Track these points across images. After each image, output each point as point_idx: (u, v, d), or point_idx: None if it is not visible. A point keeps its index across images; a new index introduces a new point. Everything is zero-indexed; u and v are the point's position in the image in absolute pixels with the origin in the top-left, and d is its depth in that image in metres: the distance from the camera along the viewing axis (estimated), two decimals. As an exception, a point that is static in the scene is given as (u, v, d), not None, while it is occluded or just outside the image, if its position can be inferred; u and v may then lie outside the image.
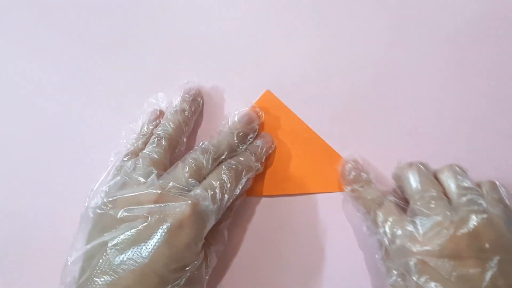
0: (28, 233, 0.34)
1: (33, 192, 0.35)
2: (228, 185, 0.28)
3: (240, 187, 0.29)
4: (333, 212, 0.33)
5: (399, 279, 0.26)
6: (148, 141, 0.31)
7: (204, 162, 0.29)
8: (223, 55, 0.36)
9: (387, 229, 0.27)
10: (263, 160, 0.32)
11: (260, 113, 0.33)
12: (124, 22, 0.37)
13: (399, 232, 0.27)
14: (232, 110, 0.35)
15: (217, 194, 0.27)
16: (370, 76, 0.35)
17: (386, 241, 0.27)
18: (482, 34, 0.35)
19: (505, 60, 0.35)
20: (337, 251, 0.33)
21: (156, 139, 0.30)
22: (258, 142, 0.33)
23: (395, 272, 0.27)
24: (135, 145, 0.31)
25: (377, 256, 0.29)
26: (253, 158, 0.31)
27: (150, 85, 0.36)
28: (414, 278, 0.25)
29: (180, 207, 0.26)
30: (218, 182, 0.28)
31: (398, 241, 0.26)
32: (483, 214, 0.25)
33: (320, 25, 0.36)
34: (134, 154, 0.31)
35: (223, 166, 0.29)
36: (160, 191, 0.26)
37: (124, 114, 0.35)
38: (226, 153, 0.30)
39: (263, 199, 0.34)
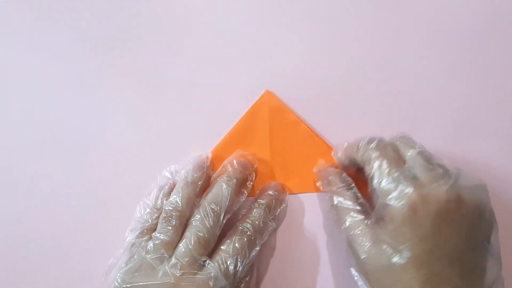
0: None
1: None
2: (241, 258, 0.27)
3: (255, 253, 0.29)
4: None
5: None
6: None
7: (211, 233, 0.28)
8: (223, 56, 0.36)
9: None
10: (277, 214, 0.31)
11: (253, 158, 0.33)
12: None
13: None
14: (232, 111, 0.35)
15: (230, 270, 0.27)
16: (370, 77, 0.35)
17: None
18: (483, 34, 0.35)
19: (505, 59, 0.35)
20: (338, 251, 0.33)
21: (165, 218, 0.29)
22: (271, 192, 0.32)
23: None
24: (149, 220, 0.31)
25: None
26: (267, 216, 0.30)
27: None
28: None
29: None
30: (230, 256, 0.27)
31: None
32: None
33: (319, 25, 0.36)
34: (149, 230, 0.30)
35: (236, 236, 0.28)
36: (173, 281, 0.26)
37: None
38: (228, 208, 0.29)
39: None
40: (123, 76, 0.36)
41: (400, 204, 0.25)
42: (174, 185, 0.32)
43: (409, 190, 0.25)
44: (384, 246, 0.25)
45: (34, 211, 0.34)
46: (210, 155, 0.34)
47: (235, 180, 0.30)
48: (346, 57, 0.36)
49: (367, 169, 0.28)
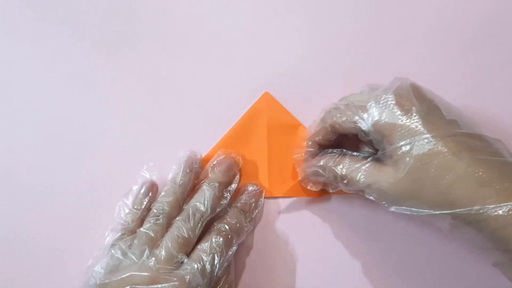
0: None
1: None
2: (218, 256, 0.28)
3: (231, 253, 0.29)
4: (331, 213, 0.34)
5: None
6: (142, 217, 0.31)
7: (191, 233, 0.29)
8: (222, 57, 0.36)
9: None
10: (254, 216, 0.32)
11: (237, 158, 0.33)
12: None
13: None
14: (231, 112, 0.35)
15: (207, 268, 0.27)
16: (369, 79, 0.35)
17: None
18: (483, 34, 0.35)
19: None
20: (339, 252, 0.33)
21: (153, 217, 0.30)
22: (245, 197, 0.32)
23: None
24: (129, 222, 0.31)
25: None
26: (242, 217, 0.31)
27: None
28: None
29: None
30: (207, 255, 0.28)
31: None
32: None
33: (318, 27, 0.36)
34: (129, 232, 0.31)
35: (213, 235, 0.29)
36: (149, 274, 0.27)
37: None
38: (210, 211, 0.30)
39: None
40: (121, 78, 0.36)
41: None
42: (153, 184, 0.33)
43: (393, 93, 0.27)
44: (423, 139, 0.25)
45: (34, 211, 0.35)
46: (199, 155, 0.34)
47: (217, 184, 0.31)
48: (344, 59, 0.35)
49: (358, 121, 0.28)
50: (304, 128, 0.34)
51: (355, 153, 0.30)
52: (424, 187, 0.24)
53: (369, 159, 0.28)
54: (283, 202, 0.34)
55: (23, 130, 0.36)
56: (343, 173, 0.28)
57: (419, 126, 0.25)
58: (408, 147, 0.25)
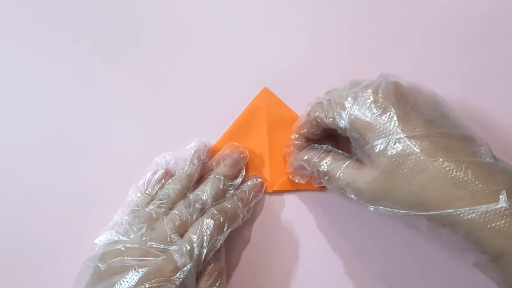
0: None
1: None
2: (208, 238, 0.28)
3: (223, 238, 0.29)
4: (330, 208, 0.34)
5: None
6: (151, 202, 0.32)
7: (189, 217, 0.29)
8: (221, 54, 0.36)
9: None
10: (252, 205, 0.32)
11: (245, 152, 0.34)
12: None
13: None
14: (230, 108, 0.35)
15: (195, 249, 0.27)
16: (368, 74, 0.35)
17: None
18: (483, 34, 0.35)
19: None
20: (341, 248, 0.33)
21: (158, 201, 0.31)
22: (246, 186, 0.33)
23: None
24: (139, 206, 0.32)
25: None
26: (240, 204, 0.31)
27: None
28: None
29: (157, 263, 0.26)
30: (197, 236, 0.28)
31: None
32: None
33: (317, 22, 0.36)
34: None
35: (205, 217, 0.29)
36: (140, 247, 0.27)
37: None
38: (211, 201, 0.31)
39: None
40: (121, 76, 0.36)
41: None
42: (167, 172, 0.34)
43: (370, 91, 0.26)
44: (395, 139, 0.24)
45: (34, 211, 0.34)
46: (209, 145, 0.34)
47: (222, 177, 0.32)
48: (343, 55, 0.36)
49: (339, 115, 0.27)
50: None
51: (339, 151, 0.30)
52: (398, 187, 0.24)
53: (350, 158, 0.28)
54: (285, 196, 0.34)
55: (23, 130, 0.36)
56: (325, 169, 0.28)
57: (395, 126, 0.25)
58: (382, 147, 0.25)
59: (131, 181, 0.34)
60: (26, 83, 0.37)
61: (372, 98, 0.26)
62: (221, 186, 0.31)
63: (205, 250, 0.28)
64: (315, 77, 0.35)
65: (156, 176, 0.33)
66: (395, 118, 0.25)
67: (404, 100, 0.26)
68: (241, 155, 0.33)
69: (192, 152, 0.33)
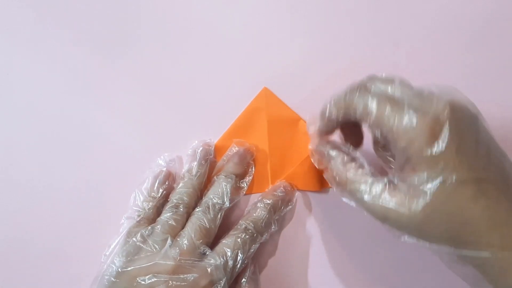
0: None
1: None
2: (242, 253, 0.28)
3: (253, 251, 0.29)
4: (330, 208, 0.34)
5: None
6: (158, 205, 0.31)
7: (212, 224, 0.29)
8: (221, 54, 0.36)
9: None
10: (282, 214, 0.32)
11: (252, 148, 0.33)
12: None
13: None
14: (230, 108, 0.35)
15: (229, 263, 0.27)
16: (369, 73, 0.35)
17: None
18: (482, 34, 0.35)
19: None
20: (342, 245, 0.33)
21: (173, 207, 0.30)
22: (280, 192, 0.32)
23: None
24: (146, 209, 0.31)
25: None
26: (270, 217, 0.30)
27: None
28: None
29: (194, 279, 0.26)
30: (231, 250, 0.28)
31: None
32: None
33: (317, 22, 0.36)
34: (146, 219, 0.31)
35: (239, 232, 0.29)
36: (173, 263, 0.27)
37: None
38: (229, 203, 0.30)
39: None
40: (121, 76, 0.36)
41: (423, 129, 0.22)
42: (169, 173, 0.33)
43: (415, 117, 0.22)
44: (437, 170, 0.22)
45: (34, 211, 0.34)
46: (212, 143, 0.34)
47: (233, 176, 0.32)
48: (343, 54, 0.36)
49: (366, 116, 0.24)
50: (304, 122, 0.34)
51: (365, 163, 0.26)
52: (434, 222, 0.22)
53: (379, 178, 0.25)
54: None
55: (23, 130, 0.36)
56: (345, 178, 0.26)
57: (449, 161, 0.22)
58: (430, 181, 0.22)
59: (131, 181, 0.34)
60: (26, 83, 0.37)
61: (423, 119, 0.22)
62: (234, 184, 0.31)
63: (238, 264, 0.28)
64: (315, 77, 0.35)
65: (159, 178, 0.33)
66: (449, 151, 0.22)
67: (460, 130, 0.22)
68: (249, 150, 0.33)
69: (199, 153, 0.33)
